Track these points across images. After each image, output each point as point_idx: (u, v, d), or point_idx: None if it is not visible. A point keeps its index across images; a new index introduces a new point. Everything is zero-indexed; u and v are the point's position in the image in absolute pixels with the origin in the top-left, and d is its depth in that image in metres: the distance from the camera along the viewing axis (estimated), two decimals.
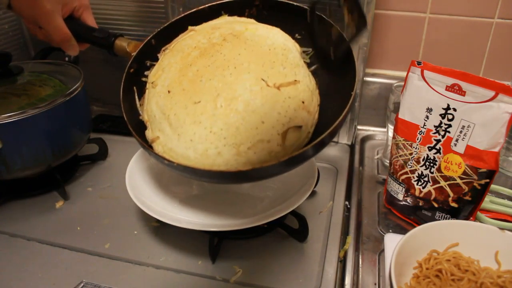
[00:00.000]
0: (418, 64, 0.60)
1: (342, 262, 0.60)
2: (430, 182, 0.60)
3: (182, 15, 0.62)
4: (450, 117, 0.57)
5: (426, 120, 0.60)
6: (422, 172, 0.61)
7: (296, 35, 0.60)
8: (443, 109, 0.58)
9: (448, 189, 0.59)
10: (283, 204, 0.61)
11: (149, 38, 0.61)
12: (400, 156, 0.64)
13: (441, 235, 0.54)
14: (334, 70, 0.55)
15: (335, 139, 0.88)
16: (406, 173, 0.63)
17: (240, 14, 0.62)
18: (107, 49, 0.66)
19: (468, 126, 0.56)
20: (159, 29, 0.62)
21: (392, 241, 0.54)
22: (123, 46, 0.64)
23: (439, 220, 0.61)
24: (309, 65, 0.57)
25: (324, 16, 0.55)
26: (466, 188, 0.57)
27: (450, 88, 0.57)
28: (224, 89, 0.51)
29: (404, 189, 0.64)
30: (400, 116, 0.63)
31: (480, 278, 0.50)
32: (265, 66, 0.53)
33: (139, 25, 0.89)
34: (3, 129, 0.62)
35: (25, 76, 0.74)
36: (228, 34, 0.57)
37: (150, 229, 0.65)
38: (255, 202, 0.67)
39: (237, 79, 0.52)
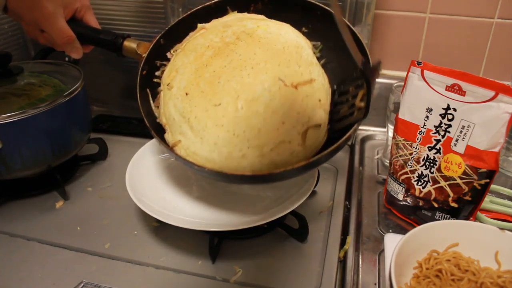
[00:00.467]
0: (418, 64, 0.60)
1: (342, 262, 0.60)
2: (430, 182, 0.60)
3: (189, 12, 0.62)
4: (450, 117, 0.57)
5: (426, 120, 0.60)
6: (422, 172, 0.61)
7: (303, 28, 0.60)
8: (443, 109, 0.58)
9: (448, 189, 0.59)
10: (283, 204, 0.61)
11: (158, 37, 0.60)
12: (400, 156, 0.64)
13: (441, 235, 0.54)
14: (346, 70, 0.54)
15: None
16: (406, 173, 0.63)
17: (246, 9, 0.62)
18: (115, 51, 0.64)
19: (468, 126, 0.56)
20: (167, 28, 0.61)
21: (392, 241, 0.54)
22: (132, 48, 0.63)
23: (439, 220, 0.61)
24: (319, 59, 0.58)
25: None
26: (466, 188, 0.57)
27: (450, 88, 0.57)
28: (243, 91, 0.51)
29: (404, 189, 0.64)
30: (400, 116, 0.63)
31: (480, 278, 0.50)
32: (281, 66, 0.53)
33: (138, 25, 0.89)
34: (3, 129, 0.62)
35: (25, 76, 0.74)
36: (241, 32, 0.57)
37: (150, 229, 0.65)
38: (255, 202, 0.67)
39: (255, 80, 0.52)
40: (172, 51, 0.61)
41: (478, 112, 0.55)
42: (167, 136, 0.55)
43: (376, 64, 0.44)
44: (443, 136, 0.58)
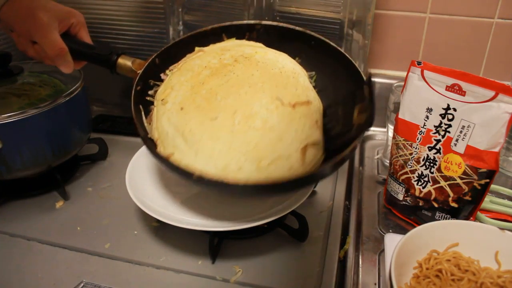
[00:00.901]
0: (418, 64, 0.60)
1: (342, 262, 0.60)
2: (430, 182, 0.60)
3: (185, 35, 0.63)
4: (450, 117, 0.57)
5: (426, 120, 0.60)
6: (422, 172, 0.61)
7: (297, 58, 0.62)
8: (443, 109, 0.58)
9: (448, 189, 0.59)
10: (283, 204, 0.61)
11: (153, 57, 0.60)
12: (400, 156, 0.64)
13: (441, 235, 0.54)
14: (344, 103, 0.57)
15: None
16: (406, 173, 0.63)
17: (241, 37, 0.64)
18: (109, 67, 0.63)
19: (468, 126, 0.56)
20: (162, 48, 0.61)
21: (392, 241, 0.54)
22: (126, 65, 0.62)
23: (439, 220, 0.61)
24: (314, 87, 0.60)
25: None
26: (466, 188, 0.57)
27: (450, 88, 0.57)
28: (240, 106, 0.52)
29: (404, 189, 0.64)
30: (400, 116, 0.63)
31: (480, 278, 0.50)
32: (278, 87, 0.54)
33: (137, 25, 0.89)
34: (3, 129, 0.62)
35: (25, 76, 0.74)
36: (239, 55, 0.58)
37: (150, 229, 0.65)
38: (255, 202, 0.67)
39: (253, 98, 0.52)
40: (167, 71, 0.61)
41: (478, 112, 0.55)
42: (159, 150, 0.54)
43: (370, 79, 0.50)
44: (443, 136, 0.58)
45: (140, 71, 0.59)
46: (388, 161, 0.72)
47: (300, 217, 0.61)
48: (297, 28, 0.62)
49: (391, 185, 0.66)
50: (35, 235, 0.64)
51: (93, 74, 0.72)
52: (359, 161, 0.82)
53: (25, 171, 0.68)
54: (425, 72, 0.59)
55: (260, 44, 0.63)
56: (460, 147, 0.57)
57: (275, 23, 0.63)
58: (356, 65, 0.57)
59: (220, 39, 0.64)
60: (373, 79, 0.89)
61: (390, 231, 0.64)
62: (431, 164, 0.60)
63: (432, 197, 0.61)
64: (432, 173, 0.60)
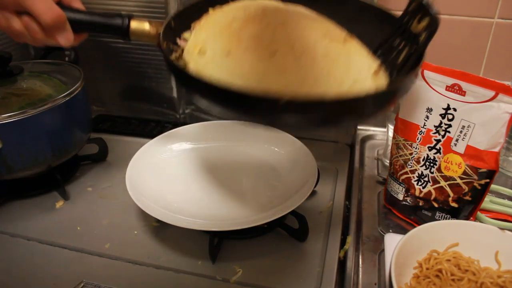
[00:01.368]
0: None
1: (342, 262, 0.60)
2: (430, 182, 0.60)
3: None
4: (450, 117, 0.57)
5: (426, 120, 0.60)
6: (422, 172, 0.61)
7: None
8: (443, 109, 0.58)
9: (448, 189, 0.59)
10: (283, 204, 0.61)
11: (169, 18, 0.53)
12: (400, 156, 0.64)
13: (441, 235, 0.54)
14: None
15: (335, 139, 0.88)
16: (406, 173, 0.63)
17: None
18: (121, 34, 0.54)
19: (468, 126, 0.56)
20: (177, 11, 0.55)
21: (392, 241, 0.54)
22: (144, 28, 0.54)
23: (439, 220, 0.61)
24: None
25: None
26: (466, 188, 0.57)
27: (450, 88, 0.57)
28: (295, 41, 0.46)
29: (404, 189, 0.64)
30: (400, 116, 0.63)
31: (480, 278, 0.50)
32: (320, 24, 0.51)
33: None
34: (3, 129, 0.62)
35: (25, 76, 0.74)
36: (263, 7, 0.52)
37: (150, 229, 0.65)
38: (255, 202, 0.67)
39: (303, 34, 0.47)
40: (185, 34, 0.54)
41: (478, 112, 0.55)
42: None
43: None
44: (443, 136, 0.58)
45: (161, 31, 0.51)
46: (388, 161, 0.72)
47: (300, 217, 0.61)
48: None
49: (391, 185, 0.66)
50: (35, 235, 0.64)
51: (93, 74, 0.72)
52: (359, 161, 0.82)
53: (25, 171, 0.68)
54: (425, 72, 0.59)
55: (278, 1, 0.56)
56: (460, 147, 0.57)
57: None
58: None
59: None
60: None
61: (390, 231, 0.64)
62: (431, 164, 0.60)
63: (432, 197, 0.61)
64: (432, 173, 0.60)
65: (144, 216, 0.67)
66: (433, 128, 0.59)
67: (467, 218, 0.60)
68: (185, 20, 0.54)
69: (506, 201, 0.67)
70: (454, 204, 0.59)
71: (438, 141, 0.59)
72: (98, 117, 0.99)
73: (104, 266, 0.59)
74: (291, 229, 0.62)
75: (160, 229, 0.65)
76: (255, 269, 0.58)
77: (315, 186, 0.65)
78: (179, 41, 0.54)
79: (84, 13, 0.55)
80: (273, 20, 0.49)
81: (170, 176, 0.71)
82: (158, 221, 0.63)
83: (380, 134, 0.91)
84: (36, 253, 0.61)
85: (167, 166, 0.73)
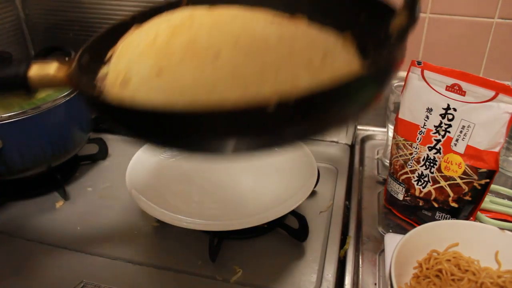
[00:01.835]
0: (418, 64, 0.60)
1: (342, 262, 0.60)
2: (430, 182, 0.60)
3: (112, 25, 0.47)
4: (450, 117, 0.57)
5: (426, 120, 0.60)
6: (422, 172, 0.61)
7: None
8: (443, 109, 0.58)
9: (448, 189, 0.59)
10: (283, 204, 0.61)
11: (78, 56, 0.43)
12: (400, 156, 0.64)
13: (441, 235, 0.54)
14: None
15: (335, 139, 0.88)
16: (406, 173, 0.63)
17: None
18: (19, 86, 0.43)
19: (468, 126, 0.56)
20: (88, 43, 0.45)
21: (392, 241, 0.54)
22: (44, 72, 0.43)
23: (439, 220, 0.61)
24: None
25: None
26: (466, 188, 0.57)
27: (450, 88, 0.57)
28: (239, 33, 0.38)
29: (404, 189, 0.64)
30: (400, 116, 0.63)
31: (480, 278, 0.50)
32: (263, 14, 0.42)
33: None
34: (3, 129, 0.62)
35: None
36: (189, 14, 0.44)
37: (150, 229, 0.65)
38: (255, 202, 0.67)
39: (245, 25, 0.40)
40: (104, 66, 0.44)
41: (478, 112, 0.55)
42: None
43: None
44: (443, 136, 0.58)
45: (70, 71, 0.42)
46: (388, 161, 0.72)
47: (300, 217, 0.61)
48: None
49: (391, 185, 0.66)
50: (35, 235, 0.64)
51: None
52: (359, 161, 0.82)
53: (25, 171, 0.68)
54: (425, 72, 0.59)
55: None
56: (460, 147, 0.57)
57: None
58: None
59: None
60: None
61: (390, 231, 0.64)
62: (431, 164, 0.60)
63: (432, 197, 0.61)
64: (432, 173, 0.60)
65: (144, 216, 0.67)
66: (433, 128, 0.59)
67: (467, 218, 0.60)
68: (100, 52, 0.44)
69: (506, 201, 0.67)
70: (454, 204, 0.59)
71: (438, 141, 0.59)
72: (98, 117, 0.99)
73: (104, 266, 0.59)
74: (291, 229, 0.62)
75: (160, 229, 0.65)
76: (255, 269, 0.58)
77: (315, 186, 0.65)
78: (97, 81, 0.43)
79: None
80: (204, 22, 0.41)
81: (170, 176, 0.71)
82: (158, 221, 0.64)
83: (380, 134, 0.91)
84: (36, 253, 0.61)
85: (167, 166, 0.73)
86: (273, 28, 0.39)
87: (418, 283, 0.50)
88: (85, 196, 0.73)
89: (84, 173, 0.79)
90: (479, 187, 0.57)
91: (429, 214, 0.62)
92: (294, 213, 0.61)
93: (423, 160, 0.60)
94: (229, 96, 0.33)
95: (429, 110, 0.59)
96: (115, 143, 0.86)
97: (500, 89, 0.53)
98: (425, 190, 0.61)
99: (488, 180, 0.56)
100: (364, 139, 0.90)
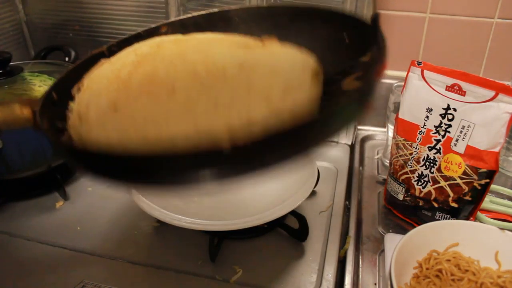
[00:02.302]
0: (418, 64, 0.60)
1: (342, 262, 0.60)
2: (430, 182, 0.60)
3: (82, 60, 0.47)
4: (450, 117, 0.57)
5: (426, 120, 0.60)
6: (422, 172, 0.61)
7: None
8: (443, 109, 0.58)
9: (448, 189, 0.59)
10: (283, 204, 0.61)
11: (47, 92, 0.43)
12: (400, 156, 0.64)
13: (441, 235, 0.54)
14: None
15: (335, 139, 0.88)
16: (406, 173, 0.63)
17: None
18: None
19: (468, 126, 0.56)
20: (58, 79, 0.45)
21: (392, 241, 0.54)
22: (9, 111, 0.42)
23: (439, 220, 0.61)
24: None
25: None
26: (466, 188, 0.57)
27: (450, 88, 0.57)
28: (197, 63, 0.36)
29: (404, 189, 0.64)
30: (400, 116, 0.63)
31: (480, 278, 0.50)
32: (230, 41, 0.41)
33: (138, 24, 0.89)
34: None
35: (25, 76, 0.74)
36: (158, 41, 0.43)
37: (150, 229, 0.65)
38: (255, 202, 0.67)
39: (206, 54, 0.38)
40: (73, 99, 0.42)
41: (478, 112, 0.55)
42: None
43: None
44: (443, 136, 0.58)
45: (36, 108, 0.42)
46: (388, 161, 0.72)
47: (300, 217, 0.61)
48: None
49: (391, 185, 0.66)
50: (35, 235, 0.64)
51: None
52: (359, 161, 0.82)
53: (25, 171, 0.68)
54: (425, 72, 0.59)
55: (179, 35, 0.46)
56: (460, 147, 0.57)
57: (182, 17, 0.50)
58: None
59: None
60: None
61: (390, 231, 0.64)
62: (431, 164, 0.60)
63: (432, 197, 0.61)
64: (432, 173, 0.60)
65: (144, 216, 0.67)
66: (433, 128, 0.59)
67: (467, 218, 0.60)
68: (70, 87, 0.43)
69: (506, 201, 0.67)
70: (454, 204, 0.59)
71: (438, 141, 0.59)
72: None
73: (104, 266, 0.59)
74: (291, 229, 0.62)
75: (160, 229, 0.65)
76: (255, 269, 0.58)
77: (315, 186, 0.65)
78: (65, 117, 0.42)
79: None
80: (168, 52, 0.40)
81: None
82: (158, 221, 0.63)
83: (380, 134, 0.91)
84: (36, 253, 0.61)
85: None
86: (237, 54, 0.38)
87: (418, 283, 0.50)
88: (85, 196, 0.73)
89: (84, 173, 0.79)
90: (479, 187, 0.57)
91: (429, 214, 0.62)
92: (294, 213, 0.61)
93: (423, 160, 0.60)
94: (180, 133, 0.33)
95: (429, 110, 0.59)
96: None
97: (500, 89, 0.53)
98: (425, 190, 0.61)
99: (488, 180, 0.56)
100: (364, 139, 0.90)
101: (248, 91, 0.34)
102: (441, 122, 0.58)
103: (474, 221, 0.60)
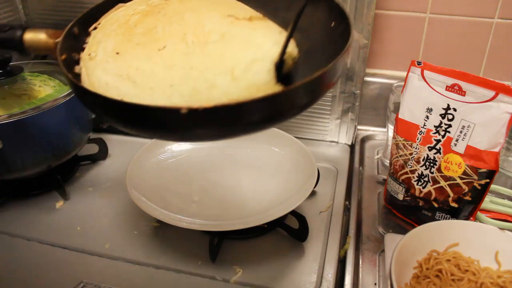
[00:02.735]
0: (418, 64, 0.60)
1: (342, 262, 0.60)
2: (430, 182, 0.60)
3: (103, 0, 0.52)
4: (450, 117, 0.57)
5: (426, 120, 0.60)
6: (422, 172, 0.61)
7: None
8: (443, 109, 0.58)
9: (448, 189, 0.59)
10: (283, 204, 0.61)
11: (70, 25, 0.49)
12: (400, 156, 0.64)
13: (441, 235, 0.54)
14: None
15: (335, 139, 0.88)
16: (406, 173, 0.63)
17: None
18: (15, 47, 0.52)
19: (468, 126, 0.56)
20: (79, 16, 0.49)
21: (392, 241, 0.54)
22: (38, 38, 0.51)
23: (439, 220, 0.61)
24: None
25: None
26: (466, 188, 0.57)
27: (450, 88, 0.57)
28: (189, 28, 0.43)
29: (404, 189, 0.64)
30: (400, 116, 0.63)
31: (480, 278, 0.50)
32: (226, 7, 0.46)
33: None
34: (3, 129, 0.62)
35: (25, 76, 0.74)
36: None
37: (150, 229, 0.65)
38: (255, 202, 0.67)
39: (199, 19, 0.44)
40: (89, 33, 0.49)
41: (478, 112, 0.55)
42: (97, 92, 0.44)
43: None
44: (443, 136, 0.58)
45: (59, 39, 0.47)
46: (388, 161, 0.72)
47: (300, 217, 0.61)
48: None
49: (391, 185, 0.66)
50: (35, 235, 0.64)
51: None
52: (359, 161, 0.82)
53: (25, 171, 0.68)
54: (425, 72, 0.59)
55: None
56: (460, 147, 0.57)
57: None
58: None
59: None
60: (372, 79, 0.89)
61: (390, 231, 0.64)
62: (431, 164, 0.60)
63: (432, 197, 0.61)
64: (432, 173, 0.60)
65: (144, 216, 0.67)
66: (433, 128, 0.59)
67: (467, 218, 0.60)
68: (90, 24, 0.49)
69: (506, 201, 0.67)
70: (454, 204, 0.59)
71: (438, 141, 0.59)
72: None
73: (104, 266, 0.59)
74: (291, 229, 0.62)
75: (160, 229, 0.65)
76: (255, 269, 0.58)
77: (315, 186, 0.65)
78: (87, 40, 0.49)
79: None
80: (171, 8, 0.46)
81: (170, 176, 0.71)
82: (158, 221, 0.64)
83: (380, 134, 0.91)
84: (36, 253, 0.61)
85: (167, 166, 0.73)
86: (224, 23, 0.43)
87: (418, 283, 0.50)
88: (85, 196, 0.73)
89: (84, 173, 0.79)
90: (479, 187, 0.57)
91: (429, 214, 0.62)
92: (294, 213, 0.61)
93: (423, 160, 0.60)
94: (158, 86, 0.40)
95: (429, 110, 0.59)
96: (115, 143, 0.86)
97: (500, 89, 0.53)
98: (425, 190, 0.61)
99: (488, 180, 0.56)
100: (364, 139, 0.90)
101: (220, 60, 0.40)
102: (441, 122, 0.58)
103: (474, 221, 0.60)
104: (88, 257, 0.60)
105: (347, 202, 0.72)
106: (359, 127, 0.92)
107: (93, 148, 0.82)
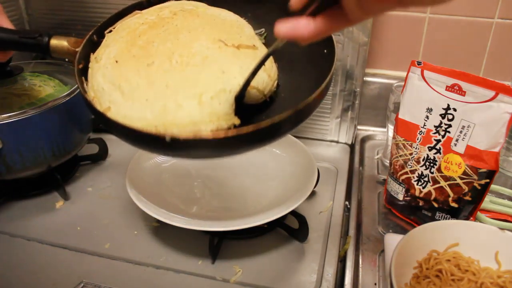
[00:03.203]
0: (418, 64, 0.60)
1: (342, 262, 0.60)
2: (430, 182, 0.60)
3: (122, 9, 0.56)
4: (450, 117, 0.57)
5: (426, 120, 0.60)
6: (422, 172, 0.61)
7: (243, 18, 0.56)
8: (443, 109, 0.58)
9: (448, 189, 0.59)
10: (283, 204, 0.61)
11: (90, 33, 0.54)
12: (400, 156, 0.64)
13: (441, 235, 0.54)
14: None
15: (335, 139, 0.88)
16: (406, 173, 0.63)
17: None
18: (42, 51, 0.57)
19: (468, 126, 0.56)
20: (99, 24, 0.55)
21: (392, 241, 0.54)
22: (63, 45, 0.56)
23: (439, 220, 0.61)
24: (265, 45, 0.54)
25: None
26: (466, 188, 0.57)
27: (450, 88, 0.57)
28: (178, 48, 0.47)
29: (404, 189, 0.64)
30: (400, 116, 0.63)
31: (480, 278, 0.50)
32: (221, 32, 0.49)
33: None
34: (3, 129, 0.62)
35: (25, 76, 0.74)
36: (178, 10, 0.53)
37: (150, 229, 0.65)
38: (255, 202, 0.67)
39: (192, 40, 0.48)
40: (105, 34, 0.54)
41: (478, 112, 0.55)
42: (96, 107, 0.48)
43: None
44: (443, 136, 0.58)
45: (79, 48, 0.52)
46: (388, 161, 0.72)
47: (300, 217, 0.61)
48: None
49: (391, 185, 0.66)
50: (35, 235, 0.64)
51: None
52: (359, 161, 0.82)
53: (25, 171, 0.68)
54: (425, 72, 0.59)
55: (202, 4, 0.57)
56: (460, 147, 0.57)
57: None
58: None
59: None
60: (372, 79, 0.89)
61: (390, 231, 0.64)
62: (431, 164, 0.60)
63: (432, 197, 0.61)
64: (432, 173, 0.60)
65: (144, 216, 0.67)
66: (433, 128, 0.59)
67: (467, 218, 0.60)
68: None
69: (506, 201, 0.67)
70: (454, 204, 0.59)
71: (438, 141, 0.59)
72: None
73: (104, 266, 0.59)
74: (291, 229, 0.62)
75: (160, 229, 0.65)
76: (255, 269, 0.58)
77: (315, 186, 0.65)
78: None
79: (5, 32, 0.58)
80: (175, 25, 0.50)
81: (170, 176, 0.71)
82: (158, 221, 0.63)
83: (380, 134, 0.91)
84: (36, 253, 0.61)
85: (167, 166, 0.73)
86: (211, 47, 0.47)
87: (418, 283, 0.50)
88: (85, 196, 0.73)
89: (84, 173, 0.79)
90: (479, 187, 0.57)
91: (429, 214, 0.62)
92: (294, 213, 0.61)
93: (423, 160, 0.60)
94: (136, 103, 0.44)
95: (429, 110, 0.59)
96: (115, 143, 0.86)
97: (500, 89, 0.53)
98: (425, 190, 0.61)
99: (488, 180, 0.56)
100: (364, 139, 0.90)
101: (193, 83, 0.44)
102: (441, 122, 0.58)
103: (474, 221, 0.60)
104: (88, 257, 0.60)
105: (347, 202, 0.72)
106: (359, 127, 0.92)
107: (93, 148, 0.82)
